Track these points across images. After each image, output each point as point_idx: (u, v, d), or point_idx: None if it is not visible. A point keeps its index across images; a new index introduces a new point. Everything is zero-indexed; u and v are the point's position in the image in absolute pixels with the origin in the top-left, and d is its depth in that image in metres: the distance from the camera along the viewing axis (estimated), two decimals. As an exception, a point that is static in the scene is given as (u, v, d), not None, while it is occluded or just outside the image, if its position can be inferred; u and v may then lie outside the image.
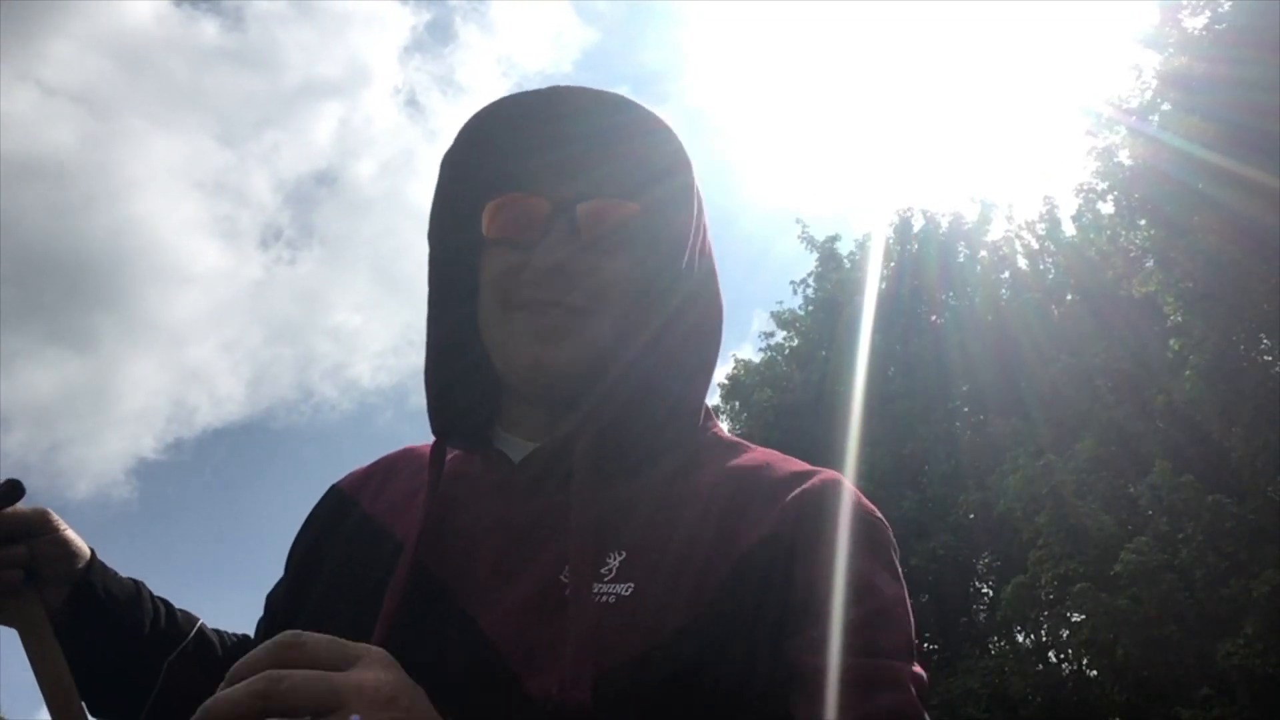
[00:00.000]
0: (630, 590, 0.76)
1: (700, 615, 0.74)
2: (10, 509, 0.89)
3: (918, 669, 0.75)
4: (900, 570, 0.82)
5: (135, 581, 0.98)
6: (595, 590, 0.76)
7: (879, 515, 0.84)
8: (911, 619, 0.79)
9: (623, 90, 0.87)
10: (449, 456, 0.93)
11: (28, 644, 0.88)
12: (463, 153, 0.89)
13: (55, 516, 0.91)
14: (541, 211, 0.86)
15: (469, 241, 0.91)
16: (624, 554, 0.78)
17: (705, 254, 0.92)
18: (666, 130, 0.87)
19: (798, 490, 0.82)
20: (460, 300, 0.92)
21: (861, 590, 0.76)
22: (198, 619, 1.01)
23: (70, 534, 0.93)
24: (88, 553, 0.94)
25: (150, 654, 0.95)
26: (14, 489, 0.88)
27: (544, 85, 0.87)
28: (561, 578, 0.77)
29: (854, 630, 0.74)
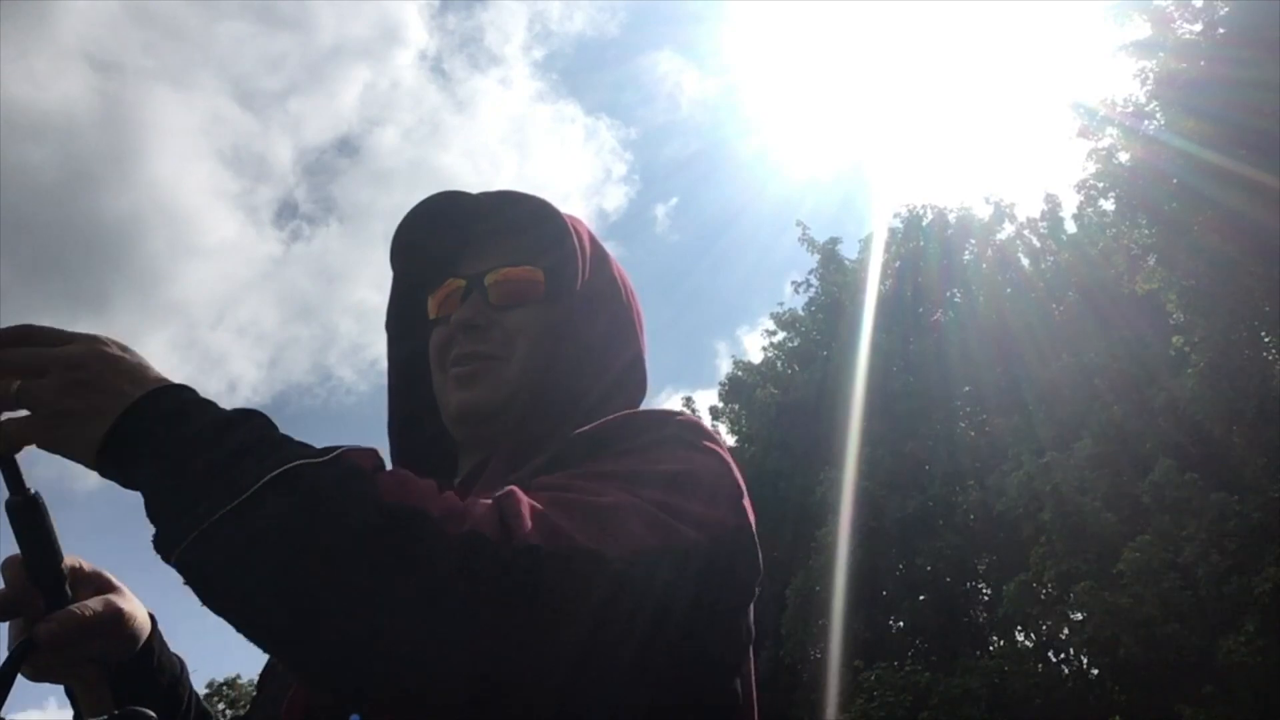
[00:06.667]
0: None
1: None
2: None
3: (717, 513, 0.80)
4: (727, 459, 0.89)
5: (181, 661, 1.08)
6: None
7: (721, 442, 0.93)
8: (718, 483, 0.84)
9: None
10: None
11: (85, 703, 0.95)
12: (400, 256, 1.10)
13: (117, 580, 0.98)
14: (459, 288, 1.05)
15: (422, 330, 1.10)
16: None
17: (621, 303, 1.09)
18: (553, 209, 1.04)
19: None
20: (420, 378, 1.10)
21: (655, 451, 0.85)
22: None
23: (136, 604, 0.98)
24: (149, 624, 1.00)
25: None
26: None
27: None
28: None
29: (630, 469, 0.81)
